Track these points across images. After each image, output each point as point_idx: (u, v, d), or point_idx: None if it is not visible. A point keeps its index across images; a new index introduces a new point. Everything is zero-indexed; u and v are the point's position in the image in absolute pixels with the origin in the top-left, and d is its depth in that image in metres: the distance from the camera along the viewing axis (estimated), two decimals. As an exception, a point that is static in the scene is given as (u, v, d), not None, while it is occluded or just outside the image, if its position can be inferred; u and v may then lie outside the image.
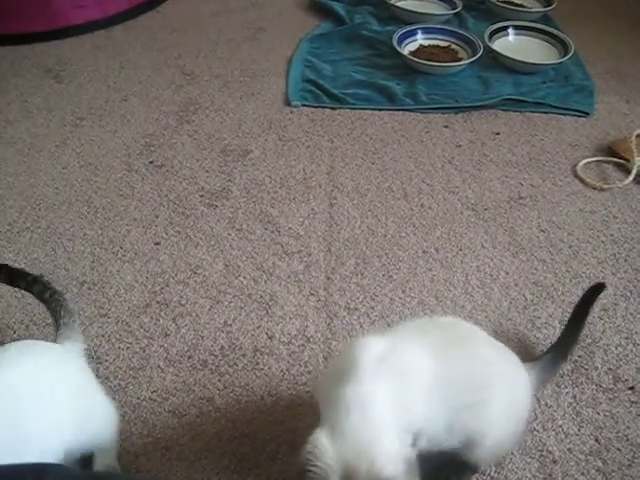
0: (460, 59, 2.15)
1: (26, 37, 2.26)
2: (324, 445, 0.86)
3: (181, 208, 1.64)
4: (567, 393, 1.23)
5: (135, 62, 2.20)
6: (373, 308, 1.39)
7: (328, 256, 1.51)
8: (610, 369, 1.27)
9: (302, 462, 0.85)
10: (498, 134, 1.88)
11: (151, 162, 1.78)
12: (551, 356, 1.21)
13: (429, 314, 1.37)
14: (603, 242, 1.55)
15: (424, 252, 1.52)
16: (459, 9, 2.40)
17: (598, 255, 1.51)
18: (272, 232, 1.57)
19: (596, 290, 1.26)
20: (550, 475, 1.12)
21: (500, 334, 1.33)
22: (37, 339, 1.32)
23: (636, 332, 1.35)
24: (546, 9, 2.42)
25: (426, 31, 2.27)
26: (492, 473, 1.11)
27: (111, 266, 1.49)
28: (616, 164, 1.77)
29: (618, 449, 1.15)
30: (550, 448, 1.15)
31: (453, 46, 2.23)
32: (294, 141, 1.85)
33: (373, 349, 0.94)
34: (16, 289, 1.41)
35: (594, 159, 1.78)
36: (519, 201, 1.66)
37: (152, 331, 1.35)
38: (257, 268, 1.48)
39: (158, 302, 1.41)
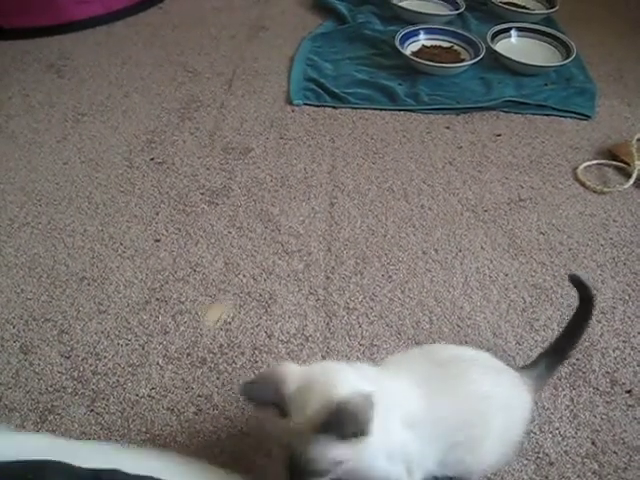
0: (462, 60, 2.16)
1: (29, 32, 2.26)
2: (294, 369, 0.88)
3: (181, 205, 1.64)
4: (564, 396, 1.24)
5: (137, 58, 2.20)
6: (372, 308, 1.39)
7: (328, 255, 1.51)
8: (607, 372, 1.28)
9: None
10: (499, 136, 1.88)
11: (152, 159, 1.78)
12: (548, 361, 1.18)
13: (428, 315, 1.38)
14: (602, 245, 1.55)
15: (424, 253, 1.52)
16: (462, 10, 2.41)
17: (597, 258, 1.51)
18: (272, 231, 1.57)
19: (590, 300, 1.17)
20: (546, 477, 1.12)
21: (498, 336, 1.34)
22: (36, 334, 1.33)
23: (634, 335, 1.35)
24: (549, 11, 2.42)
25: (429, 32, 2.27)
26: (489, 474, 1.12)
27: (111, 262, 1.49)
28: (616, 168, 1.77)
29: (614, 452, 1.16)
30: (547, 450, 1.15)
31: (455, 47, 2.23)
32: (295, 140, 1.85)
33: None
34: (16, 283, 1.43)
35: (595, 162, 1.79)
36: (519, 203, 1.66)
37: (151, 328, 1.35)
38: (257, 266, 1.48)
39: (158, 299, 1.41)
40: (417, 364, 1.00)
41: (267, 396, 0.85)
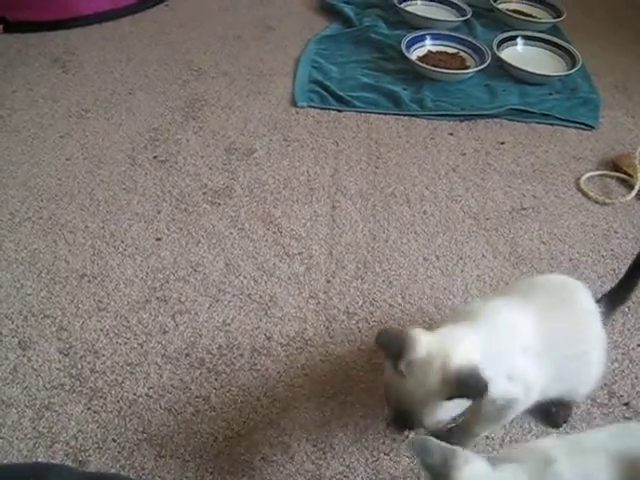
0: (468, 67, 2.16)
1: (34, 26, 2.25)
2: (421, 337, 0.96)
3: (183, 205, 1.63)
4: (562, 407, 1.24)
5: (142, 56, 2.20)
6: (372, 313, 1.39)
7: (329, 259, 1.51)
8: (605, 384, 1.27)
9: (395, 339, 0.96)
10: (503, 144, 1.88)
11: (155, 157, 1.78)
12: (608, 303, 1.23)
13: (428, 321, 1.38)
14: (603, 257, 1.55)
15: (425, 259, 1.52)
16: (468, 16, 2.41)
17: (598, 269, 1.51)
18: (274, 233, 1.57)
19: None
20: (542, 488, 1.12)
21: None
22: (34, 330, 1.32)
23: (633, 348, 1.35)
24: (555, 20, 2.42)
25: (435, 37, 2.27)
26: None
27: (112, 260, 1.48)
28: (619, 179, 1.78)
29: (611, 465, 1.16)
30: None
31: (461, 53, 2.23)
32: (299, 142, 1.85)
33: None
34: (15, 278, 1.42)
35: (597, 173, 1.79)
36: (521, 212, 1.66)
37: (150, 327, 1.35)
38: (258, 268, 1.48)
39: (157, 298, 1.41)
40: (527, 293, 1.11)
41: (395, 351, 0.95)
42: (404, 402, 0.95)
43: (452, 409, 0.96)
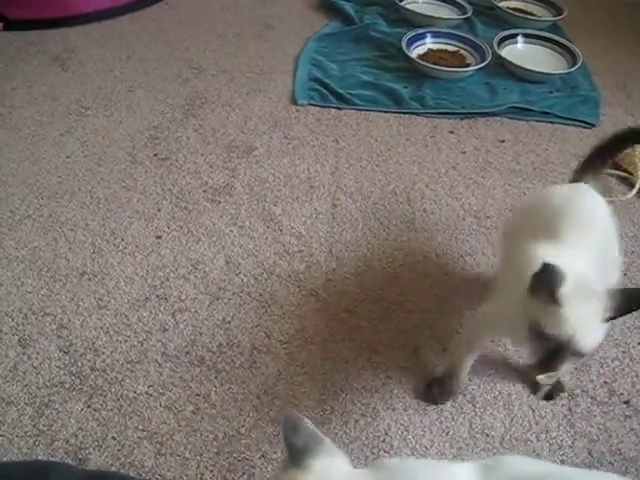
0: (468, 65, 2.15)
1: (34, 23, 2.25)
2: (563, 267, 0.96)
3: (184, 202, 1.63)
4: (562, 405, 1.24)
5: (142, 53, 2.19)
6: (372, 311, 1.39)
7: (329, 257, 1.51)
8: (606, 382, 1.28)
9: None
10: (503, 142, 1.88)
11: (155, 155, 1.77)
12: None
13: (428, 319, 1.38)
14: (604, 255, 1.55)
15: (425, 257, 1.52)
16: (469, 14, 2.40)
17: (598, 268, 1.51)
18: (274, 230, 1.57)
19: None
20: (542, 486, 1.12)
21: (499, 341, 1.34)
22: (34, 328, 1.32)
23: (633, 346, 1.35)
24: (556, 18, 2.42)
25: (435, 35, 2.27)
26: None
27: (112, 258, 1.48)
28: (619, 177, 1.77)
29: (610, 463, 1.16)
30: (543, 459, 1.15)
31: (461, 51, 2.23)
32: (299, 140, 1.85)
33: None
34: (16, 276, 1.42)
35: (598, 171, 1.78)
36: (521, 210, 1.66)
37: (151, 325, 1.35)
38: (258, 266, 1.48)
39: (157, 296, 1.41)
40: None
41: (549, 285, 0.95)
42: (564, 331, 0.95)
43: (604, 329, 0.98)
